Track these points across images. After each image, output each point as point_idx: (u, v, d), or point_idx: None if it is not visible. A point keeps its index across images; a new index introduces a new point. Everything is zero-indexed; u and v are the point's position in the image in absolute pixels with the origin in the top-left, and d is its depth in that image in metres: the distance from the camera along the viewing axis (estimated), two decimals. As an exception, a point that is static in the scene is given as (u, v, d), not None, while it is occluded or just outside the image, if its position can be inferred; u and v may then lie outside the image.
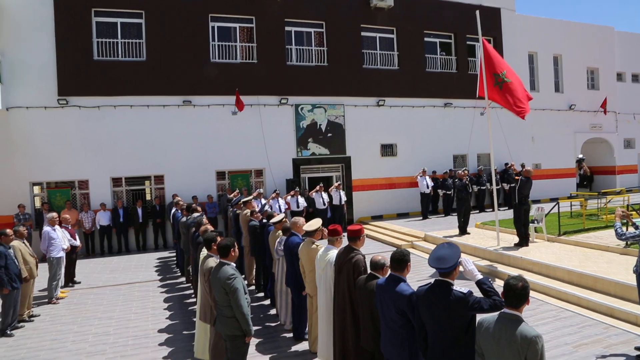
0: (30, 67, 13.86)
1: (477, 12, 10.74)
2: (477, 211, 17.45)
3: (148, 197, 15.50)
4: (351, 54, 17.11)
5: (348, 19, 17.06)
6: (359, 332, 4.70)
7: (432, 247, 12.25)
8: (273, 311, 8.07)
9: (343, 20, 16.99)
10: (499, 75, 10.25)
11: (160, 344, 6.86)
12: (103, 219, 14.10)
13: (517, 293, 2.96)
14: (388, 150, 17.78)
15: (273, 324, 7.51)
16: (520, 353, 2.83)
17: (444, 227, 14.25)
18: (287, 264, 6.66)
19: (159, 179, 15.22)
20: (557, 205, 11.56)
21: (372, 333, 4.40)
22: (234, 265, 4.88)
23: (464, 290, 3.39)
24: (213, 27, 15.72)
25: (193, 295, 9.03)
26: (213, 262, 5.12)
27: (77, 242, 10.62)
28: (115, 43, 14.78)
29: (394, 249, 13.15)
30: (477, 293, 3.47)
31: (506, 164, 18.21)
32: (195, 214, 9.03)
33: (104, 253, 14.29)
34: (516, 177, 10.79)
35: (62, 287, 10.16)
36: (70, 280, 10.67)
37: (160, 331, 7.41)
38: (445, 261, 3.48)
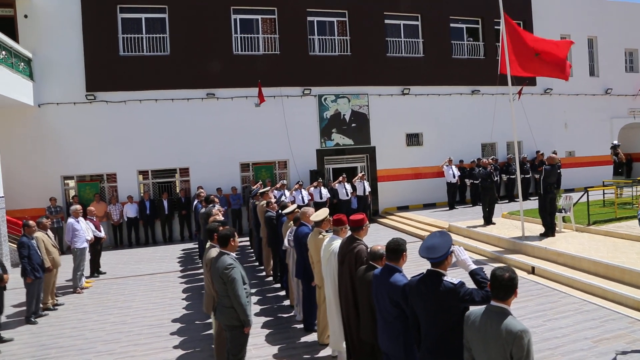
0: (59, 64, 14.28)
1: (499, -4, 10.31)
2: (507, 201, 16.93)
3: (177, 189, 15.75)
4: (375, 42, 16.83)
5: (371, 7, 16.76)
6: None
7: (458, 237, 12.05)
8: (287, 302, 8.05)
9: (366, 9, 16.71)
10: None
11: (172, 333, 6.96)
12: (130, 211, 14.45)
13: (504, 284, 2.79)
14: (414, 139, 17.46)
15: (285, 315, 7.50)
16: (505, 348, 2.67)
17: (470, 218, 13.88)
18: (297, 254, 6.62)
19: (185, 171, 15.46)
20: (586, 194, 11.03)
21: (371, 324, 4.31)
22: (234, 255, 4.86)
23: (455, 280, 3.25)
24: (235, 20, 15.76)
25: (211, 286, 9.12)
26: (215, 252, 5.12)
27: (102, 234, 10.89)
28: (140, 38, 15.04)
29: (416, 239, 12.95)
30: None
31: (537, 152, 17.54)
32: (217, 205, 9.09)
33: (131, 244, 14.65)
34: (538, 168, 10.31)
35: (87, 277, 10.50)
36: (95, 270, 11.00)
37: (174, 321, 7.52)
38: (436, 250, 3.34)
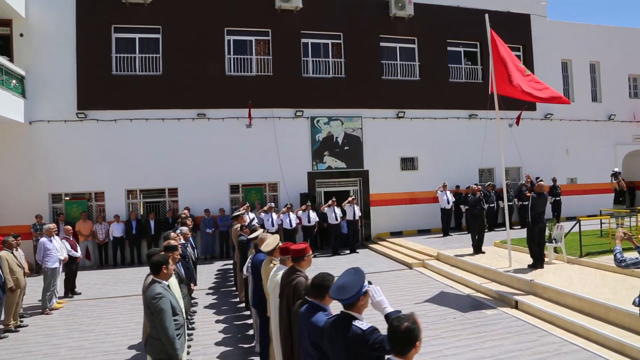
0: (52, 82, 14.34)
1: (486, 15, 10.10)
2: (504, 229, 16.37)
3: (167, 209, 15.56)
4: (370, 65, 16.69)
5: (366, 29, 16.69)
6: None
7: (444, 267, 11.61)
8: (252, 331, 7.70)
9: (361, 31, 16.63)
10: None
11: (124, 363, 6.65)
12: (116, 230, 14.26)
13: (400, 337, 2.43)
14: (409, 163, 17.13)
15: (246, 346, 7.14)
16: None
17: (463, 245, 13.41)
18: (253, 283, 6.30)
19: (173, 191, 15.30)
20: (578, 224, 10.57)
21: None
22: (166, 284, 4.58)
23: (365, 326, 2.89)
24: (229, 41, 15.77)
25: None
26: (149, 279, 4.84)
27: (78, 254, 10.68)
28: (133, 58, 15.08)
29: (403, 267, 12.53)
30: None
31: (537, 178, 17.04)
32: (183, 228, 8.83)
33: (116, 264, 14.42)
34: (527, 194, 9.92)
35: (60, 298, 10.26)
36: (70, 290, 10.74)
37: (130, 347, 7.20)
38: (346, 291, 2.99)
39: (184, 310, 5.35)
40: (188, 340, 7.24)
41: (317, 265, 12.48)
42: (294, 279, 4.53)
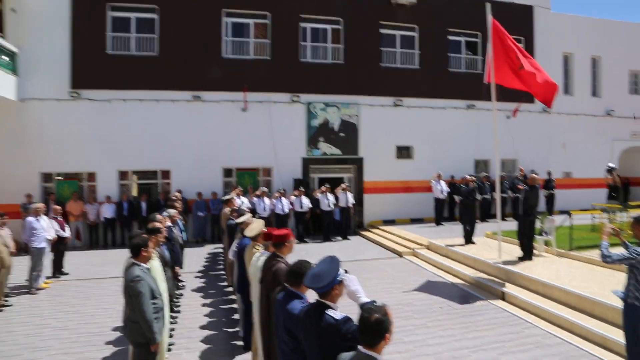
0: (45, 60, 14.13)
1: (487, 4, 9.90)
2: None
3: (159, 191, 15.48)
4: (369, 52, 16.51)
5: (367, 16, 16.47)
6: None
7: (435, 256, 11.61)
8: (237, 315, 7.67)
9: (361, 17, 16.41)
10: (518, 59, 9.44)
11: (108, 343, 6.63)
12: (107, 211, 14.18)
13: (369, 328, 2.37)
14: (404, 152, 17.03)
15: (231, 330, 7.13)
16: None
17: (455, 235, 13.36)
18: (238, 267, 6.25)
19: (166, 174, 15.20)
20: (569, 217, 10.53)
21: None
22: (145, 266, 4.53)
23: (338, 315, 2.84)
24: (227, 23, 15.54)
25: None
26: (129, 262, 4.78)
27: (66, 233, 10.61)
28: (128, 38, 14.86)
29: (394, 255, 12.51)
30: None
31: (532, 171, 16.98)
32: (170, 210, 8.75)
33: (107, 245, 14.37)
34: (518, 186, 9.85)
35: (48, 278, 10.21)
36: (57, 271, 10.70)
37: (115, 329, 7.16)
38: (320, 279, 2.93)
39: (165, 294, 5.32)
40: (172, 324, 7.24)
41: (308, 251, 12.45)
42: (274, 265, 4.48)
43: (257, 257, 5.09)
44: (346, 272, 3.04)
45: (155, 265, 5.43)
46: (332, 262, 3.02)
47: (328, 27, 16.44)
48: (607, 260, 5.10)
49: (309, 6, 16.00)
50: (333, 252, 13.12)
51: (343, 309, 2.94)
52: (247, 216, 7.32)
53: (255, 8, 15.68)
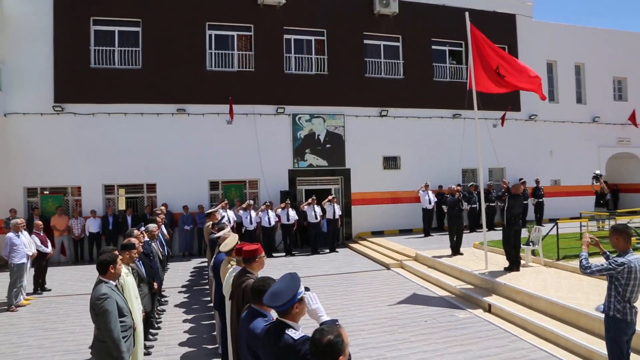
0: (28, 74, 14.04)
1: (466, 13, 9.95)
2: (487, 229, 16.32)
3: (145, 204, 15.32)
4: (353, 62, 16.53)
5: (350, 26, 16.51)
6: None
7: (422, 268, 11.51)
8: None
9: (345, 28, 16.46)
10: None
11: (82, 363, 6.46)
12: (92, 226, 13.99)
13: (321, 350, 2.27)
14: (391, 162, 17.00)
15: (210, 347, 6.98)
16: None
17: (443, 246, 13.31)
18: (215, 283, 6.13)
19: (152, 187, 15.05)
20: (555, 226, 10.51)
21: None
22: (113, 283, 4.42)
23: (297, 335, 2.74)
24: (210, 35, 15.53)
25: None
26: (97, 279, 4.67)
27: (48, 249, 10.42)
28: (112, 51, 14.79)
29: (381, 267, 12.41)
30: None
31: (520, 179, 17.02)
32: (150, 225, 8.62)
33: (92, 260, 14.15)
34: (502, 197, 9.80)
35: (29, 294, 10.02)
36: (39, 287, 10.50)
37: (91, 347, 6.97)
38: (279, 297, 2.83)
39: (137, 312, 5.19)
40: (152, 341, 7.09)
41: (295, 265, 12.34)
42: (244, 281, 4.37)
43: (230, 272, 4.99)
44: (307, 289, 2.95)
45: (129, 281, 5.31)
46: (292, 280, 2.92)
47: (312, 38, 16.47)
48: (587, 271, 5.00)
49: (292, 18, 16.03)
50: (320, 265, 13.05)
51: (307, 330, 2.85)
52: (225, 230, 7.21)
53: (238, 21, 15.68)
